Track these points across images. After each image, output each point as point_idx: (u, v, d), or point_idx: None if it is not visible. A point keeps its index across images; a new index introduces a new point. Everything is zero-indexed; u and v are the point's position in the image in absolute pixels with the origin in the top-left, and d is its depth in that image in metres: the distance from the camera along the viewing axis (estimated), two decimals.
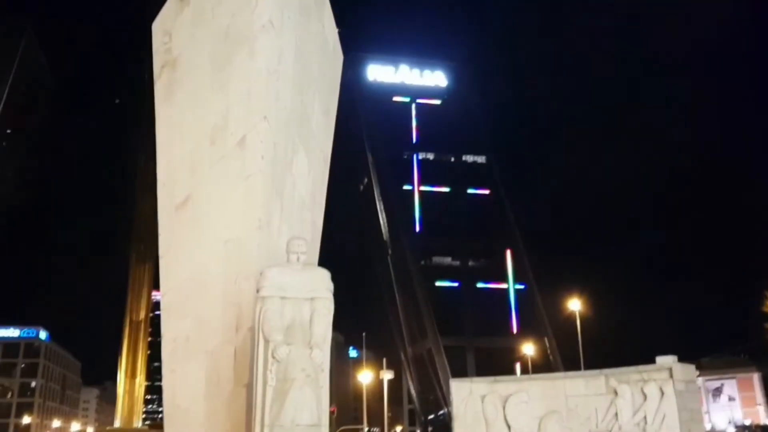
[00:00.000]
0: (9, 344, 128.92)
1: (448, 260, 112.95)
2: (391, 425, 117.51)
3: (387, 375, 57.93)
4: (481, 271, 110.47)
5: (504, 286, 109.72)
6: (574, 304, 42.28)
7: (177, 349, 11.67)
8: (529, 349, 69.26)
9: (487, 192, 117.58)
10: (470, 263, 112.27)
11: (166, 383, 11.82)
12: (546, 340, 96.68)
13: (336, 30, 14.29)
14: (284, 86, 11.81)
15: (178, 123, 12.56)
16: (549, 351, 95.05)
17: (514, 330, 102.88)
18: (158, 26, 13.33)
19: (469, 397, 12.35)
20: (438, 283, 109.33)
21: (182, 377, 11.51)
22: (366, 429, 70.06)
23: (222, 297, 10.87)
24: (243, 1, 11.93)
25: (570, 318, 44.92)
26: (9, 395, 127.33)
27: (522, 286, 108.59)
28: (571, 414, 11.94)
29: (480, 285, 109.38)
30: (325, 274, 9.12)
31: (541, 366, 73.86)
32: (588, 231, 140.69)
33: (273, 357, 8.23)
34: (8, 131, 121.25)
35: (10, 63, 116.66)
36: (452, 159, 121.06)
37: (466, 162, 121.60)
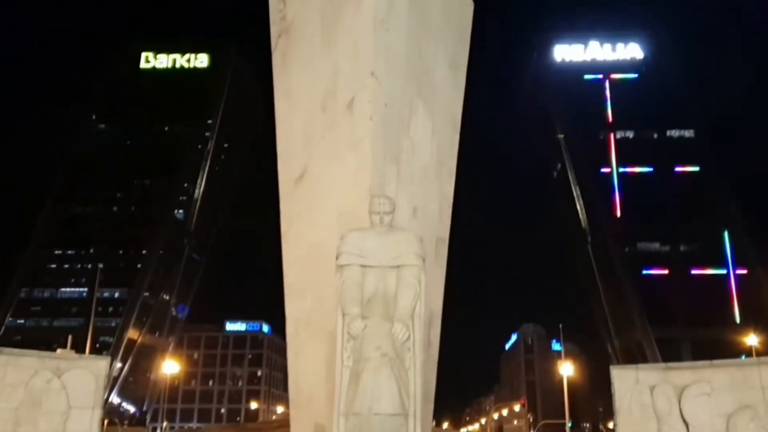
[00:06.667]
0: (237, 337, 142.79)
1: (655, 246, 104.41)
2: (604, 420, 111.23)
3: (566, 369, 55.87)
4: (695, 256, 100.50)
5: (722, 271, 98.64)
6: None
7: (299, 331, 11.05)
8: (755, 340, 60.91)
9: (696, 169, 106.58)
10: (681, 248, 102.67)
11: (290, 366, 11.26)
12: None
13: None
14: (396, 37, 10.63)
15: (292, 92, 11.94)
16: None
17: (737, 319, 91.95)
18: None
19: (635, 387, 10.22)
20: (645, 271, 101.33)
21: (305, 360, 10.86)
22: (569, 424, 66.64)
23: None
24: None
25: None
26: (239, 383, 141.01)
27: (744, 271, 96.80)
28: None
29: (694, 271, 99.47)
30: (413, 238, 7.73)
31: None
32: None
33: (348, 333, 7.10)
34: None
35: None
36: (654, 135, 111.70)
37: (671, 138, 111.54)
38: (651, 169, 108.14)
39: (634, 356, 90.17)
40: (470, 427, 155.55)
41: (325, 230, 10.59)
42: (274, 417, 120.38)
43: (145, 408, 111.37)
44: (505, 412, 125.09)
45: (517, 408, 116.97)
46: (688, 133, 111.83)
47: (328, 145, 10.84)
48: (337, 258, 7.75)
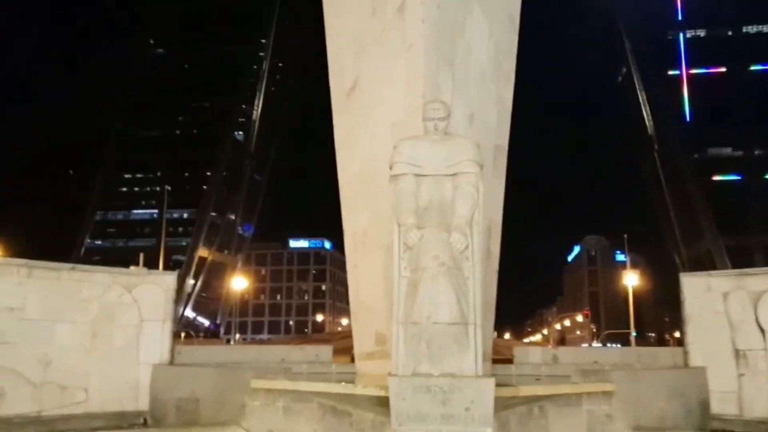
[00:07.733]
0: (301, 254, 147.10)
1: (727, 151, 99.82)
2: (670, 330, 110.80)
3: (631, 279, 55.43)
4: None
5: None
6: None
7: (357, 244, 11.02)
8: None
9: None
10: (756, 152, 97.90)
11: (350, 279, 11.33)
12: None
13: None
14: None
15: None
16: None
17: None
18: None
19: (706, 295, 9.82)
20: (716, 177, 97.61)
21: (363, 273, 10.88)
22: (634, 334, 66.65)
23: None
24: None
25: None
26: (305, 297, 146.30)
27: None
28: None
29: None
30: (469, 144, 7.35)
31: None
32: None
33: (404, 243, 6.95)
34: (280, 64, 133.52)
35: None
36: (729, 33, 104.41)
37: (747, 34, 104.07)
38: (724, 70, 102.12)
39: (703, 266, 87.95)
40: (532, 338, 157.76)
41: (378, 142, 10.31)
42: (339, 329, 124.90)
43: (218, 321, 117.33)
44: (567, 323, 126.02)
45: (579, 319, 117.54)
46: (767, 29, 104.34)
47: (379, 52, 10.39)
48: (390, 168, 7.52)
